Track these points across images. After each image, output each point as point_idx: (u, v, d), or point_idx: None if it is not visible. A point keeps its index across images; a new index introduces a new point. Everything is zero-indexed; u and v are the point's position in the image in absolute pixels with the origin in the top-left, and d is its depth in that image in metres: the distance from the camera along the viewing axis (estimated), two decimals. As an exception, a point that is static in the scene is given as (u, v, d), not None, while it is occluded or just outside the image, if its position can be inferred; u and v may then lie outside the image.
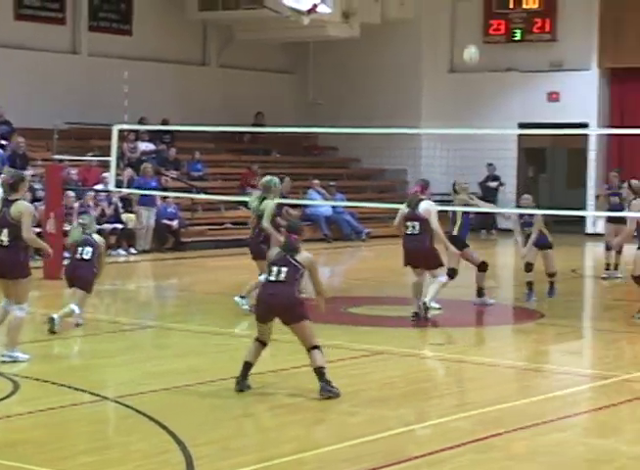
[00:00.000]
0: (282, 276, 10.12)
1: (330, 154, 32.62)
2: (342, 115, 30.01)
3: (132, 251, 23.12)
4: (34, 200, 21.75)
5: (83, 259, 13.59)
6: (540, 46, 30.26)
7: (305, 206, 26.81)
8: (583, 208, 27.37)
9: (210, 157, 28.62)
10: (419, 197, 14.72)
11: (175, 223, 24.08)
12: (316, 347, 10.20)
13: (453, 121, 28.76)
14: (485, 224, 29.07)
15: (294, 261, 10.21)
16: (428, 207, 14.57)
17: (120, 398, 9.89)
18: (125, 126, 22.21)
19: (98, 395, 10.01)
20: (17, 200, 11.43)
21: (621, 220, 17.99)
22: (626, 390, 10.68)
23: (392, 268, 20.81)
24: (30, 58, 26.34)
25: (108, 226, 22.84)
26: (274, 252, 10.54)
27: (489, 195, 28.95)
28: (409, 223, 14.50)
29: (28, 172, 22.95)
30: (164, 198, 24.12)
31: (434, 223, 14.46)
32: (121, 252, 22.98)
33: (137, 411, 9.36)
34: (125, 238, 23.19)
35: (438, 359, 12.21)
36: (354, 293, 17.86)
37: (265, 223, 14.63)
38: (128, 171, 24.55)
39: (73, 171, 23.17)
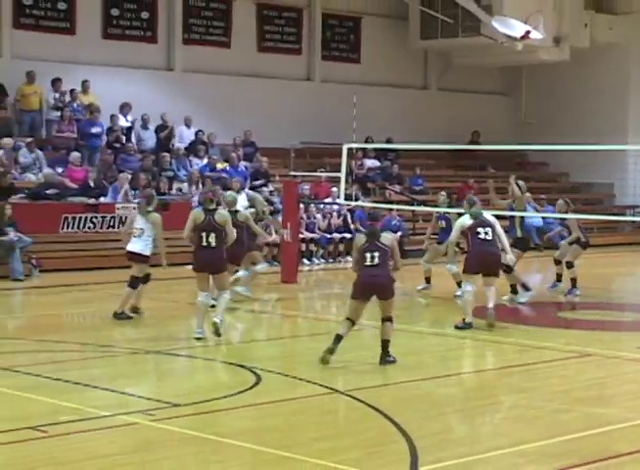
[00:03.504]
0: (376, 260, 10.94)
1: (541, 169, 32.10)
2: (552, 133, 29.50)
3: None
4: (272, 212, 22.29)
5: None
6: None
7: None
8: None
9: (430, 172, 28.60)
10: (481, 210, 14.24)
11: (399, 234, 24.11)
12: (391, 318, 11.11)
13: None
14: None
15: (382, 245, 11.03)
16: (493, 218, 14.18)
17: (350, 391, 9.96)
18: (354, 145, 22.40)
19: (330, 388, 10.11)
20: (216, 209, 12.87)
21: None
22: None
23: (603, 276, 20.32)
24: (271, 85, 27.00)
25: (337, 235, 23.11)
26: (361, 239, 11.18)
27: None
28: (482, 229, 13.85)
29: (268, 188, 23.56)
30: (390, 210, 24.19)
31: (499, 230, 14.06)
32: (349, 259, 23.14)
33: (365, 404, 9.40)
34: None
35: (646, 362, 11.83)
36: (564, 299, 17.49)
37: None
38: (355, 186, 24.76)
39: (306, 187, 23.53)
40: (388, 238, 11.23)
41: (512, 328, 14.11)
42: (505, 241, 14.30)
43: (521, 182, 16.75)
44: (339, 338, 11.10)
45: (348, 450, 7.97)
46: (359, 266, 11.15)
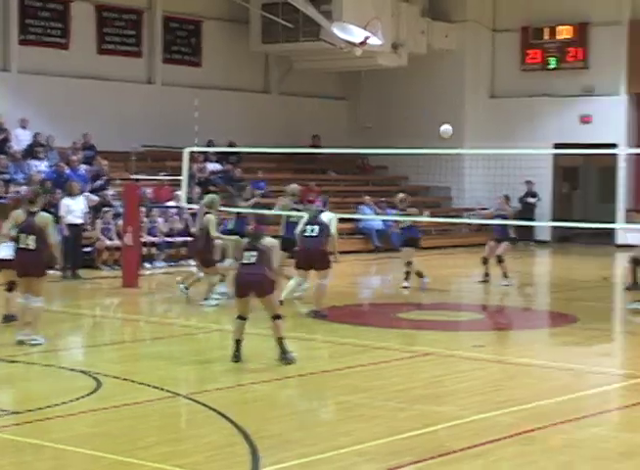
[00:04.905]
0: (253, 259, 11.26)
1: (380, 172, 32.59)
2: (391, 137, 29.99)
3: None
4: (114, 216, 22.01)
5: None
6: (573, 73, 30.07)
7: (358, 220, 26.80)
8: (613, 221, 27.06)
9: (272, 175, 28.69)
10: (320, 209, 15.49)
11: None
12: (279, 316, 11.37)
13: (494, 142, 28.68)
14: (524, 236, 28.88)
15: (260, 246, 11.32)
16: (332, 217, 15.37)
17: (192, 394, 9.93)
18: (195, 149, 22.33)
19: (172, 391, 10.05)
20: (37, 211, 12.36)
21: None
22: (655, 388, 10.57)
23: (439, 277, 20.76)
24: (111, 88, 26.64)
25: (179, 239, 22.96)
26: (244, 240, 11.64)
27: (528, 210, 28.80)
28: (309, 227, 14.95)
29: (109, 191, 23.24)
30: (239, 213, 24.13)
31: (334, 231, 15.18)
32: (192, 262, 23.02)
33: (207, 407, 9.38)
34: (196, 250, 23.24)
35: (480, 360, 12.13)
36: (403, 299, 17.82)
37: (214, 232, 15.84)
38: (197, 189, 24.66)
39: (148, 190, 23.35)
40: (269, 241, 11.47)
41: (352, 329, 14.30)
42: (334, 243, 15.30)
43: None
44: (237, 343, 11.36)
45: (190, 454, 7.94)
46: (238, 265, 11.52)
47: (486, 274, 19.64)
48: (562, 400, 9.92)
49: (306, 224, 14.98)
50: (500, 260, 19.41)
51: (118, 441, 8.27)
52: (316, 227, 14.83)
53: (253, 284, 11.25)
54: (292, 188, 18.05)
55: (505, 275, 19.41)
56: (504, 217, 19.54)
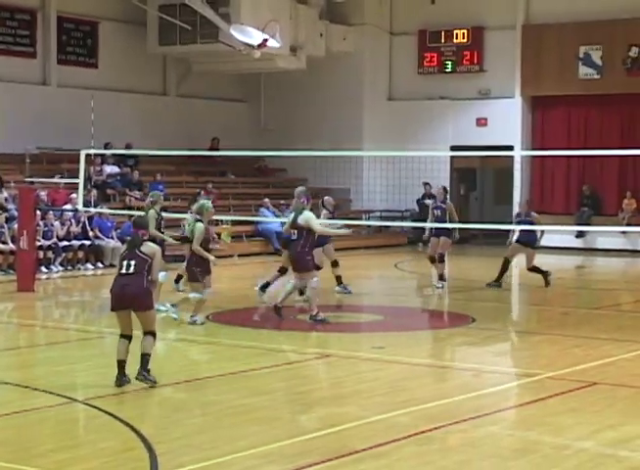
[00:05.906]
0: (131, 269, 10.37)
1: (279, 175, 32.63)
2: (291, 139, 30.04)
3: (99, 265, 22.93)
4: (8, 219, 21.61)
5: None
6: (469, 76, 30.52)
7: (257, 222, 26.80)
8: (510, 222, 27.48)
9: (171, 178, 28.52)
10: (303, 206, 15.23)
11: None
12: (154, 333, 10.48)
13: (392, 144, 28.94)
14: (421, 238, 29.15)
15: (140, 254, 10.45)
16: (307, 216, 15.05)
17: (89, 400, 9.79)
18: (92, 151, 22.07)
19: (69, 397, 9.90)
20: None
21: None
22: (549, 386, 10.75)
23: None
24: (5, 89, 26.15)
25: (76, 242, 22.65)
26: (123, 247, 10.78)
27: (426, 211, 29.08)
28: (293, 230, 15.05)
29: (4, 194, 22.81)
30: (130, 217, 23.93)
31: (317, 227, 15.08)
32: (89, 266, 22.78)
33: (104, 412, 9.27)
34: (93, 253, 22.99)
35: (380, 361, 12.21)
36: (301, 302, 17.82)
37: (195, 245, 14.49)
38: (94, 192, 24.39)
39: (43, 193, 23.00)
40: (150, 247, 10.60)
41: (252, 331, 14.27)
42: (326, 231, 15.86)
43: None
44: (121, 364, 10.36)
45: (87, 460, 7.83)
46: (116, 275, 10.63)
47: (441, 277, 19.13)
48: (460, 400, 10.04)
49: (290, 227, 15.12)
50: (441, 260, 19.02)
51: (14, 448, 8.11)
52: (296, 230, 14.97)
53: (131, 297, 10.31)
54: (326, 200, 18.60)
55: (441, 277, 19.10)
56: (443, 211, 19.24)
